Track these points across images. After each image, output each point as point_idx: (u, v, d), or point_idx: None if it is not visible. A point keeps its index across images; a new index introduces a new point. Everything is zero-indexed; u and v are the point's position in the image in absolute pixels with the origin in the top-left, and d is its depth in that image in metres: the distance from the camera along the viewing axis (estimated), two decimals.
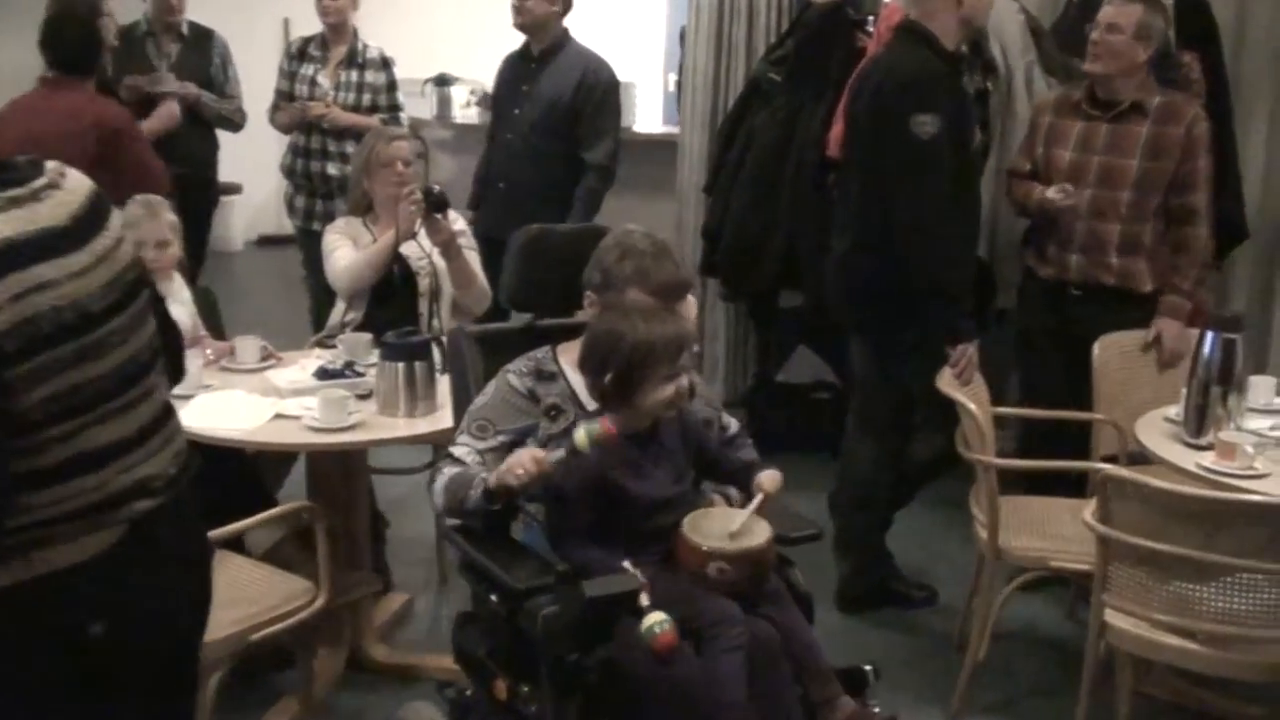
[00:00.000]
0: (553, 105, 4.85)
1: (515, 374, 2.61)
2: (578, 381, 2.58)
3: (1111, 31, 3.73)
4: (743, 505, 2.57)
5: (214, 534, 2.91)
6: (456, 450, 2.56)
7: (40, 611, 1.67)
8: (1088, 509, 2.89)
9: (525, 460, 2.33)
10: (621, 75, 6.80)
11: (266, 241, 9.16)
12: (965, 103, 3.65)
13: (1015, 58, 4.59)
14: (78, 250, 1.66)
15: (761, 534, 2.40)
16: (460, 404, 2.71)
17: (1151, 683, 3.28)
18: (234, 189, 8.69)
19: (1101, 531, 2.84)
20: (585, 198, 4.85)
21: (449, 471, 2.51)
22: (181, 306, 3.73)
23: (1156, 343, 3.80)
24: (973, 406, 3.31)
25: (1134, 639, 2.89)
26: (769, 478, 2.55)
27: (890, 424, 3.84)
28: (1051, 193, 3.83)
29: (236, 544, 3.30)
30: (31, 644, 1.68)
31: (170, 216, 3.66)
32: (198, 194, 5.18)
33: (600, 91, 4.89)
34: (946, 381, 3.44)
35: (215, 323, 4.02)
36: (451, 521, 2.56)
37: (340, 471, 3.44)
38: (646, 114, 7.04)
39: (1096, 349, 3.77)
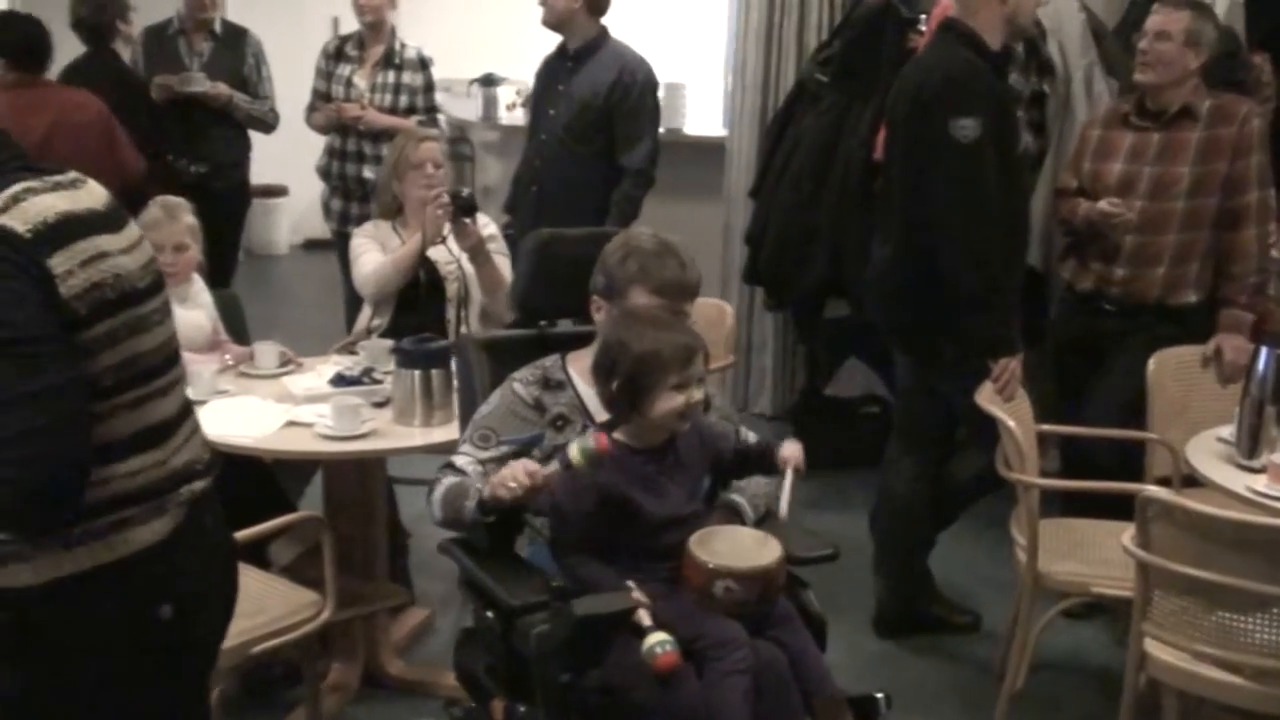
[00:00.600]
0: (586, 106, 4.83)
1: (521, 382, 2.62)
2: (587, 391, 2.58)
3: (1160, 40, 3.69)
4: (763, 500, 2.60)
5: None
6: (458, 460, 2.56)
7: (117, 594, 1.76)
8: (1127, 533, 2.83)
9: (518, 473, 2.33)
10: (677, 76, 6.85)
11: (312, 245, 9.26)
12: (1008, 105, 3.60)
13: (1074, 58, 4.54)
14: (116, 232, 1.79)
15: (771, 553, 2.38)
16: (466, 413, 2.72)
17: (1202, 717, 3.21)
18: (279, 191, 8.83)
19: (1141, 557, 2.78)
20: (622, 204, 4.82)
21: (447, 482, 2.52)
22: (201, 310, 3.79)
23: (1217, 358, 3.74)
24: (1011, 423, 3.26)
25: (1176, 671, 2.82)
26: (790, 450, 2.54)
27: (931, 440, 3.80)
28: (1105, 204, 3.79)
29: (254, 556, 3.33)
30: (106, 627, 1.77)
31: (189, 219, 3.71)
32: (228, 196, 5.24)
33: (636, 92, 4.84)
34: (987, 396, 3.40)
35: (239, 328, 4.07)
36: (454, 535, 2.56)
37: (356, 481, 3.47)
38: (703, 116, 7.02)
39: (1151, 364, 3.71)
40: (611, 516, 2.37)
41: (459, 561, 2.49)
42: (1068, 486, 3.56)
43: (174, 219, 3.67)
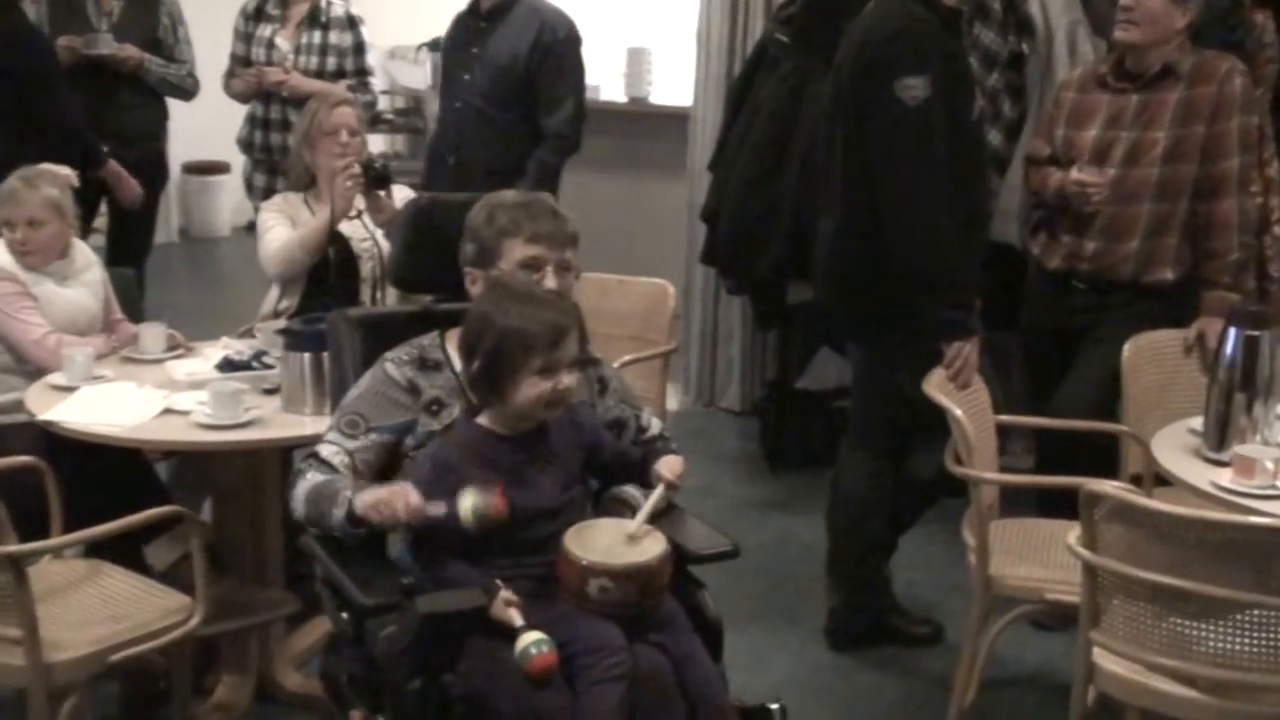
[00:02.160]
0: (506, 69, 4.86)
1: (394, 363, 2.59)
2: None
3: None
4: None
5: (70, 537, 2.97)
6: (323, 450, 2.55)
7: None
8: (1073, 533, 2.80)
9: (397, 506, 2.31)
10: (643, 40, 6.84)
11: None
12: (962, 64, 3.57)
13: (1057, 15, 4.54)
14: None
15: (653, 549, 2.35)
16: (337, 397, 2.71)
17: None
18: (220, 168, 8.81)
19: (1086, 558, 2.76)
20: (537, 170, 4.84)
21: (311, 478, 2.50)
22: (85, 289, 3.78)
23: (1200, 344, 3.71)
24: (959, 412, 3.23)
25: (1126, 684, 2.79)
26: (668, 464, 2.52)
27: (886, 434, 3.77)
28: (1077, 173, 3.77)
29: (129, 557, 3.32)
30: None
31: (50, 192, 3.67)
32: (141, 170, 5.21)
33: (559, 50, 4.88)
34: (936, 384, 3.37)
35: (133, 311, 4.06)
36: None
37: (246, 476, 3.45)
38: (673, 84, 6.99)
39: (1127, 350, 3.69)
40: None
41: (319, 558, 2.47)
42: (1013, 481, 3.54)
43: (32, 189, 3.65)
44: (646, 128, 6.51)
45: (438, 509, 2.32)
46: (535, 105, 4.86)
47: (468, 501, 2.30)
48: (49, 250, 3.67)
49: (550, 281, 2.59)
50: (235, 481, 3.47)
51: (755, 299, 5.29)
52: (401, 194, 4.07)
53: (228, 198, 9.07)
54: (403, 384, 2.57)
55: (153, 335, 3.66)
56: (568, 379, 2.40)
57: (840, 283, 3.67)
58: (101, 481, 3.33)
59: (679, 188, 5.99)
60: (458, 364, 2.58)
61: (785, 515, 4.88)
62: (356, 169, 3.93)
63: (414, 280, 2.83)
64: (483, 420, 2.45)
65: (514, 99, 4.86)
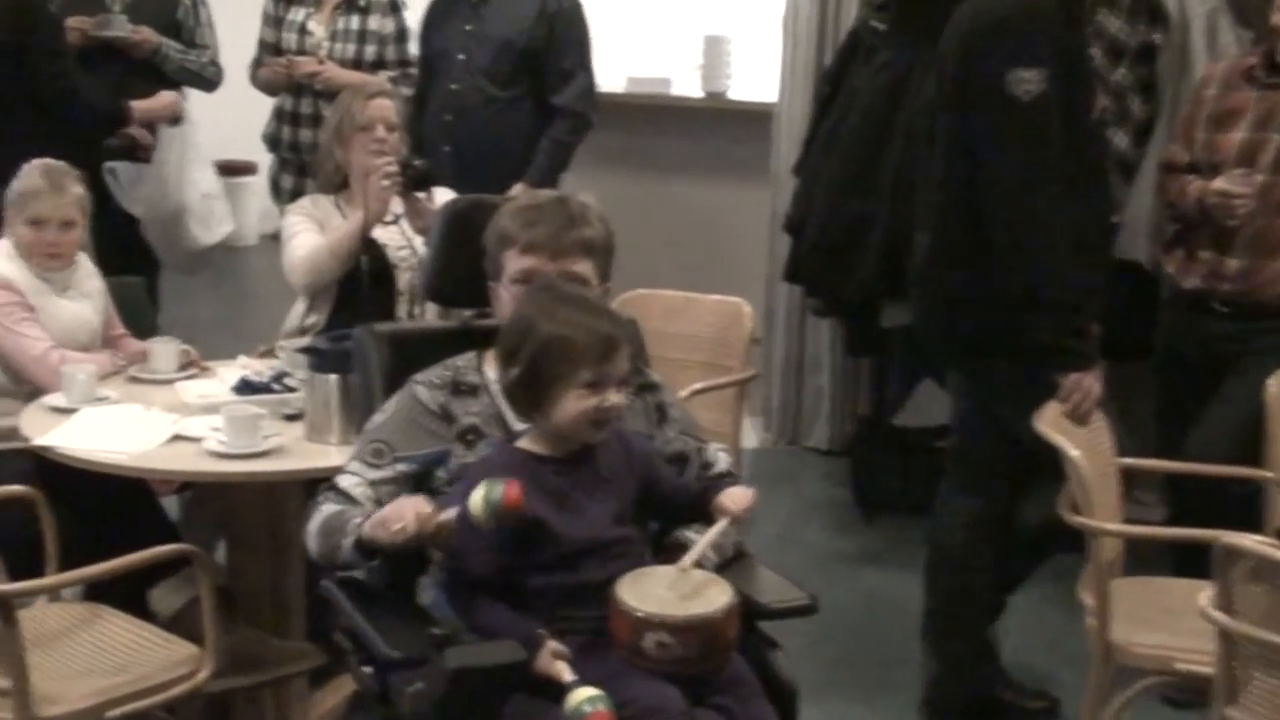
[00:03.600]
0: (509, 43, 5.04)
1: (425, 385, 2.62)
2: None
3: None
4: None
5: (66, 577, 3.01)
6: (343, 481, 2.57)
7: None
8: (1205, 594, 2.76)
9: (405, 513, 2.32)
10: (722, 28, 6.86)
11: None
12: (1082, 56, 3.57)
13: (1194, 3, 4.51)
14: None
15: (718, 599, 2.35)
16: (364, 424, 2.72)
17: None
18: (246, 169, 8.90)
19: (1223, 623, 2.72)
20: (550, 150, 5.04)
21: (326, 510, 2.52)
22: (86, 301, 3.85)
23: None
24: (1075, 453, 3.20)
25: None
26: (732, 496, 2.51)
27: (991, 477, 3.74)
28: (1221, 183, 3.74)
29: (132, 602, 3.36)
30: None
31: (78, 190, 3.76)
32: None
33: (564, 20, 5.08)
34: (1049, 421, 3.34)
35: (143, 324, 4.12)
36: (343, 574, 2.56)
37: (264, 512, 3.48)
38: (754, 78, 7.01)
39: (1273, 385, 3.64)
40: (515, 540, 2.36)
41: (338, 604, 2.49)
42: (1136, 533, 3.50)
43: (59, 190, 3.72)
44: (725, 126, 6.52)
45: (450, 513, 2.34)
46: (540, 81, 5.07)
47: (478, 493, 2.29)
48: (73, 255, 3.76)
49: None
50: (252, 518, 3.50)
51: (845, 322, 5.28)
52: (444, 196, 4.09)
53: (255, 202, 9.15)
54: (434, 409, 2.59)
55: (164, 353, 3.71)
56: (615, 397, 2.41)
57: (939, 303, 3.65)
58: (103, 515, 3.38)
59: (761, 195, 6.01)
60: (497, 389, 2.59)
61: (878, 569, 4.86)
62: (394, 168, 3.96)
63: (450, 293, 2.85)
64: (522, 444, 2.46)
65: (519, 75, 5.07)
